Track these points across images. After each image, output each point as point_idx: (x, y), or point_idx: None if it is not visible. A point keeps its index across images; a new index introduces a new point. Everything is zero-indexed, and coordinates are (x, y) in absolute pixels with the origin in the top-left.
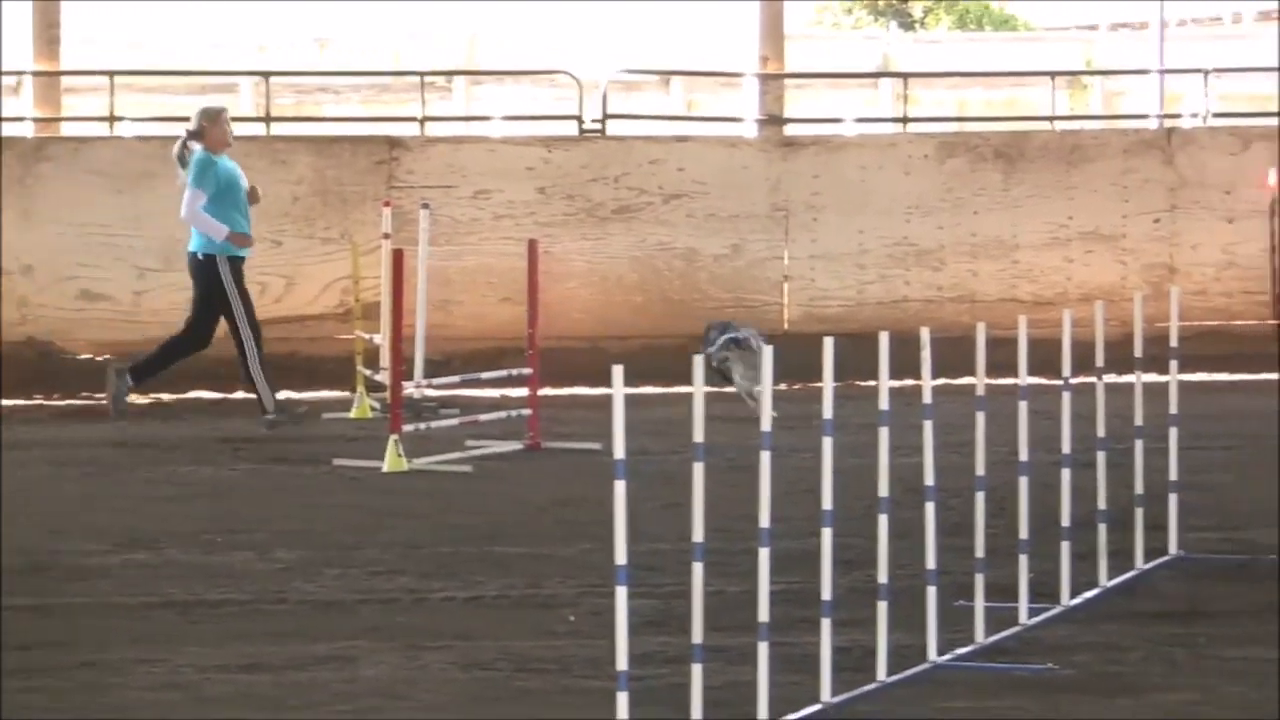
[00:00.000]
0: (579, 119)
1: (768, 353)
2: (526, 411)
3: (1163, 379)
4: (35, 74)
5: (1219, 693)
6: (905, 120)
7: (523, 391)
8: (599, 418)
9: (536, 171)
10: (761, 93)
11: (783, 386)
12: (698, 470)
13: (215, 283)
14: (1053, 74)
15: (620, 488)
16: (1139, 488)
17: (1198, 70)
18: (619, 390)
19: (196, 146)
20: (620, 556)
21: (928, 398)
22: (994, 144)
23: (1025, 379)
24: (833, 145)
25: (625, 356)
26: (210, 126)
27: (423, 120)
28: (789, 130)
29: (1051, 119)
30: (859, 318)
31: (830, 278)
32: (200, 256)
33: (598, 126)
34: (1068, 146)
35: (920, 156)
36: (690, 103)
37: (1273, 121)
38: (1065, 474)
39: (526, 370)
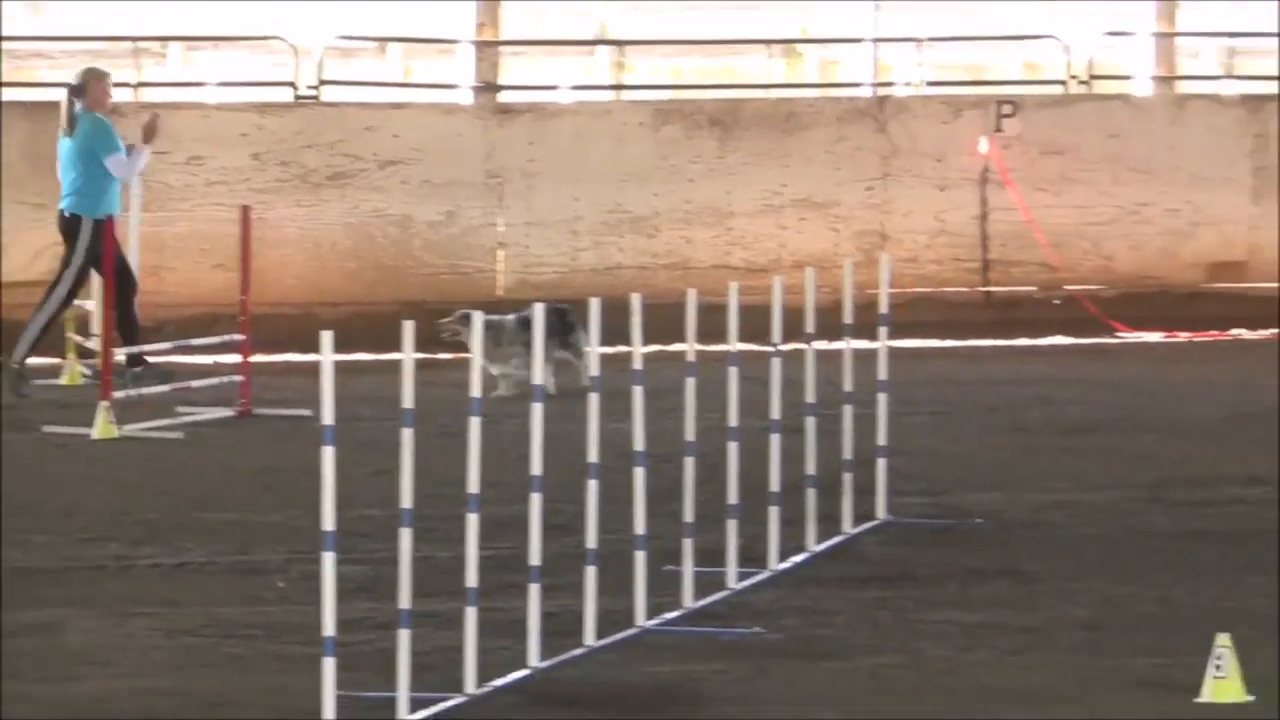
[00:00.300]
0: (294, 85)
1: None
2: (238, 378)
3: (872, 345)
4: None
5: (924, 656)
6: (620, 88)
7: (235, 358)
8: (311, 384)
9: (250, 138)
10: (477, 59)
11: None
12: (406, 436)
13: (82, 241)
14: (768, 42)
15: (329, 454)
16: (847, 453)
17: (911, 39)
18: (328, 356)
19: (78, 104)
20: (328, 522)
21: (638, 364)
22: (709, 111)
23: (736, 345)
24: (548, 112)
25: (338, 323)
26: (95, 84)
27: (137, 86)
28: (504, 97)
29: (766, 87)
30: (573, 284)
31: (545, 245)
32: (68, 215)
33: (313, 93)
34: (782, 114)
35: (635, 124)
36: (407, 69)
37: (985, 90)
38: (775, 440)
39: (239, 336)
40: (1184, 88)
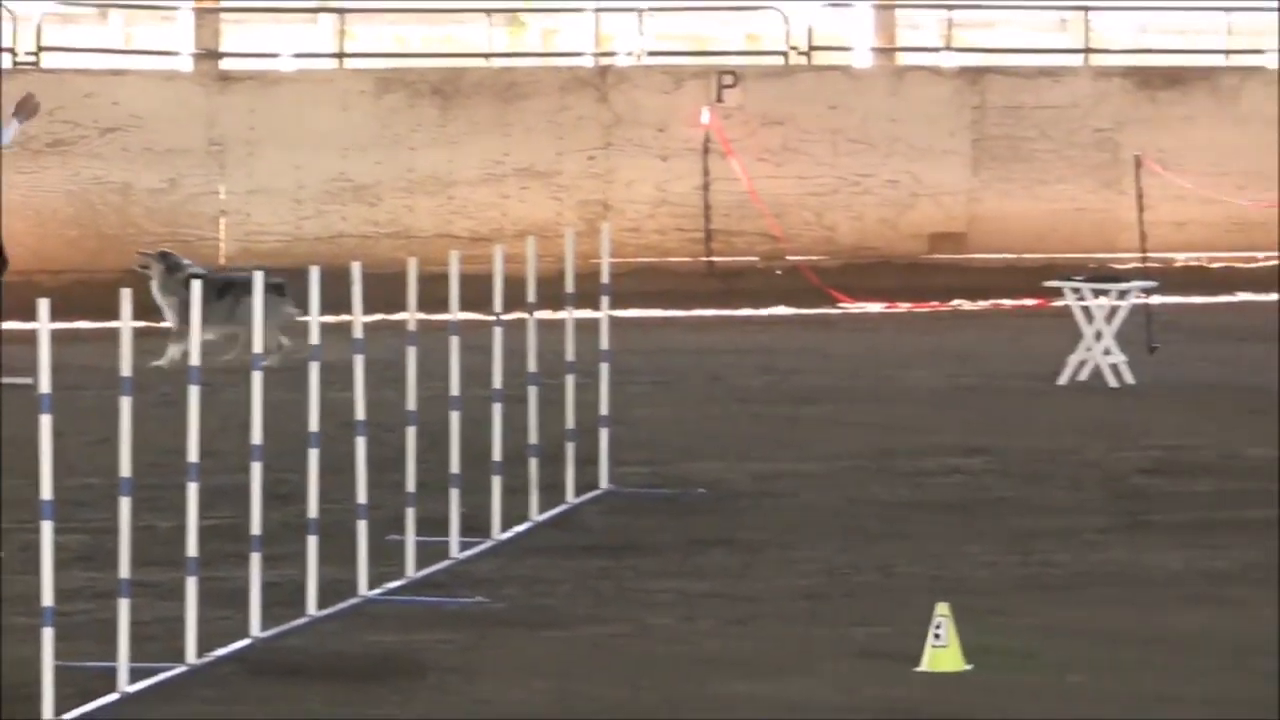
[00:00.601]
0: (12, 52)
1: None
2: None
3: (595, 315)
4: None
5: (645, 625)
6: (343, 56)
7: None
8: (31, 353)
9: None
10: (198, 26)
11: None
12: (125, 405)
13: None
14: (489, 11)
15: (46, 422)
16: (570, 423)
17: (632, 9)
18: (45, 324)
19: None
20: (46, 491)
21: (359, 333)
22: (431, 80)
23: (457, 314)
24: (269, 80)
25: (60, 291)
26: None
27: None
28: (226, 64)
29: (488, 56)
30: (295, 253)
31: (267, 213)
32: None
33: (32, 59)
34: (504, 83)
35: (357, 92)
36: (128, 36)
37: (706, 61)
38: (497, 409)
39: None
40: (904, 59)
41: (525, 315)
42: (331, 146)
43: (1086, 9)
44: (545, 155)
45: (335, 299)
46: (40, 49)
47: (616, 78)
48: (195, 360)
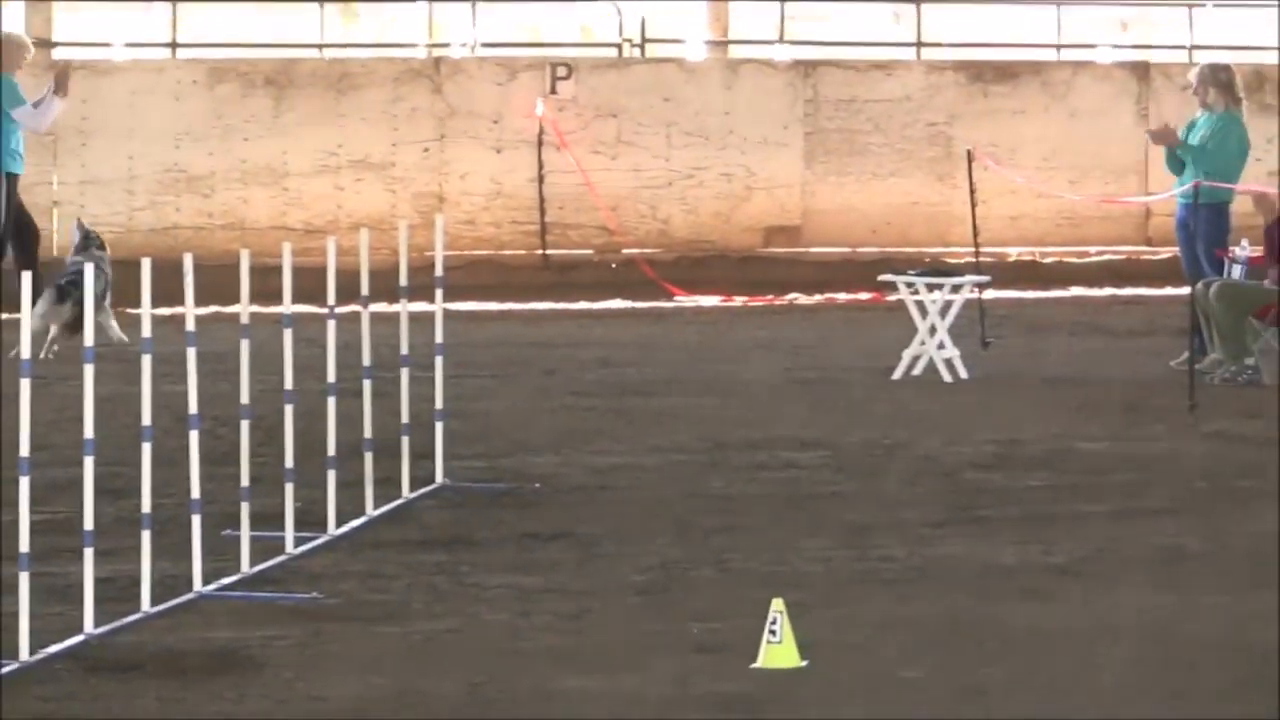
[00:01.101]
0: None
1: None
2: None
3: (430, 308)
4: None
5: (481, 620)
6: (175, 45)
7: None
8: None
9: None
10: (29, 14)
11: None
12: None
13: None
14: (322, 0)
15: None
16: (405, 417)
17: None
18: None
19: None
20: None
21: (191, 325)
22: (264, 71)
23: (290, 307)
24: (102, 69)
25: None
26: (11, 49)
27: None
28: (57, 53)
29: (321, 46)
30: (129, 244)
31: (100, 204)
32: None
33: None
34: (337, 74)
35: (190, 82)
36: None
37: (540, 53)
38: (331, 402)
39: None
40: (737, 52)
41: (359, 308)
42: (165, 137)
43: (919, 2)
44: (380, 147)
45: (168, 291)
46: None
47: (451, 69)
48: (25, 354)
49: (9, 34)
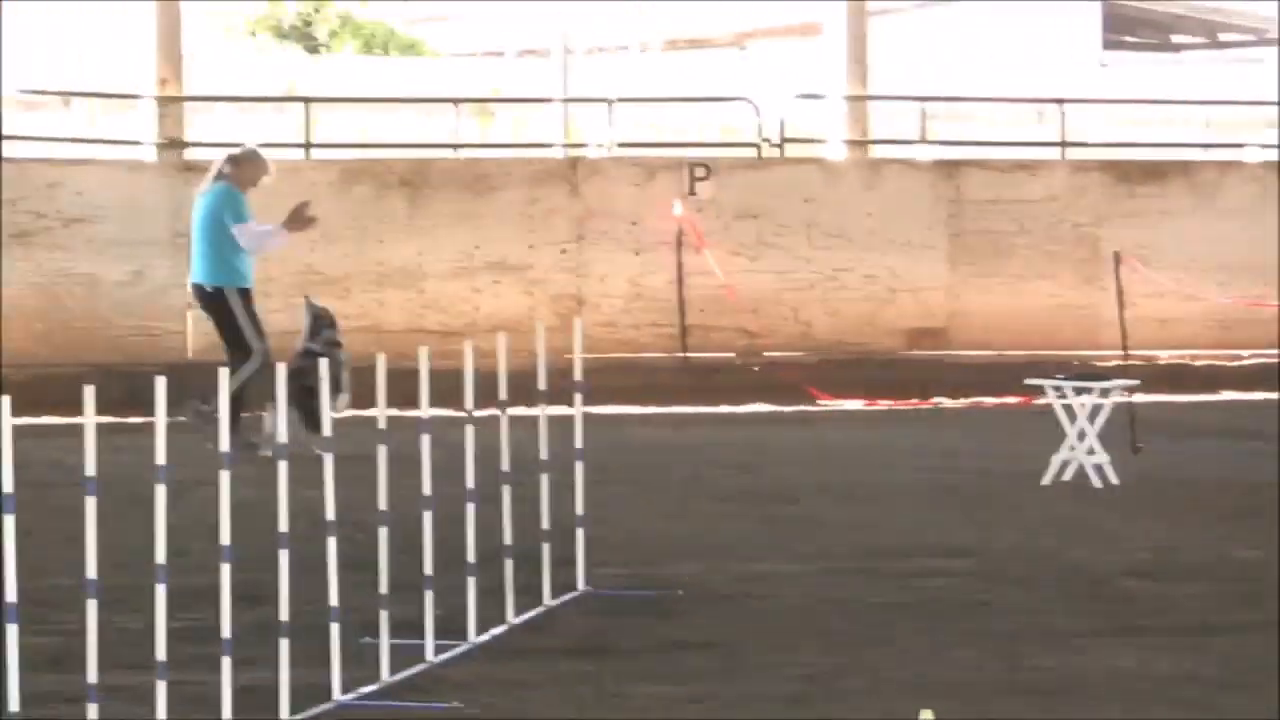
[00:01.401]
0: None
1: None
2: None
3: (569, 411)
4: None
5: None
6: (309, 146)
7: None
8: None
9: None
10: (161, 115)
11: (183, 419)
12: (90, 504)
13: (228, 313)
14: (456, 100)
15: (9, 522)
16: (545, 523)
17: (602, 99)
18: (7, 421)
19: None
20: (10, 593)
21: (328, 429)
22: (398, 171)
23: (428, 411)
24: None
25: (25, 385)
26: (249, 165)
27: None
28: (190, 154)
29: (456, 146)
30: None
31: None
32: (209, 289)
33: None
34: (473, 175)
35: (324, 183)
36: (94, 123)
37: (678, 152)
38: (470, 508)
39: None
40: (878, 151)
41: (498, 412)
42: (299, 238)
43: (1062, 101)
44: (517, 248)
45: None
46: (3, 137)
47: (588, 169)
48: (161, 459)
49: (251, 150)
